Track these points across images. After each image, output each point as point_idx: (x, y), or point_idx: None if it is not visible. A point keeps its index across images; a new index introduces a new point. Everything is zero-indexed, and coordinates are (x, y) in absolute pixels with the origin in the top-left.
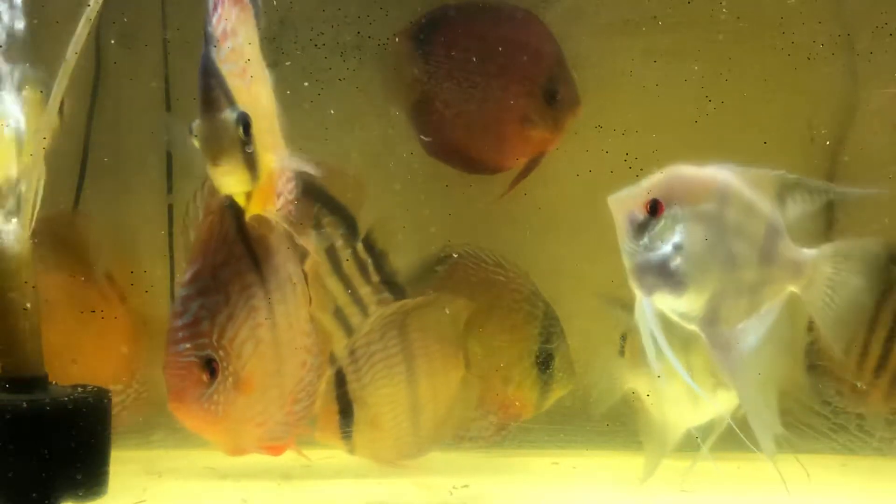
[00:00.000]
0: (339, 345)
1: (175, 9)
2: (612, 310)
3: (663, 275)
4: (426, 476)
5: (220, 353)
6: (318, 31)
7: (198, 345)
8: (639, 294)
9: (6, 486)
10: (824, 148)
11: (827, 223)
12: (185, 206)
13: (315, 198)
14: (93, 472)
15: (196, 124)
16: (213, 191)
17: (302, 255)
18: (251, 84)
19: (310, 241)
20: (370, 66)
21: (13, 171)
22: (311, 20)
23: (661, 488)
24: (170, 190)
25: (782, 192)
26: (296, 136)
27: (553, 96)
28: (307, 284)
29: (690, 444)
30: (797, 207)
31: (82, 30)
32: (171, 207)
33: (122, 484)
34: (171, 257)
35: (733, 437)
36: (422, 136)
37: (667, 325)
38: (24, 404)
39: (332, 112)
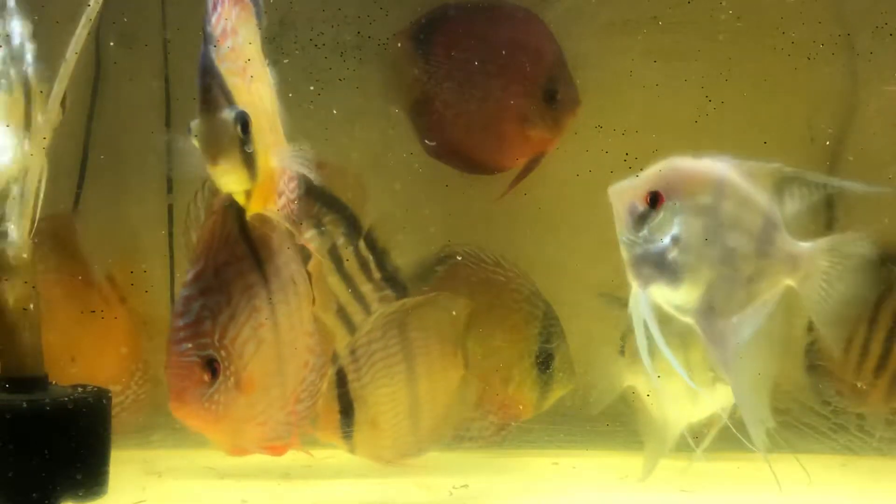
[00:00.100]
0: (341, 343)
1: (175, 9)
2: (612, 309)
3: (661, 266)
4: (426, 476)
5: (222, 352)
6: (318, 31)
7: (199, 344)
8: (635, 286)
9: (6, 486)
10: (824, 148)
11: (827, 222)
12: (187, 206)
13: (316, 196)
14: (93, 472)
15: (195, 124)
16: (215, 191)
17: (305, 256)
18: (251, 83)
19: (312, 241)
20: (370, 66)
21: (13, 171)
22: (311, 20)
23: (660, 488)
24: (170, 190)
25: (780, 185)
26: (296, 136)
27: (553, 96)
28: (310, 285)
29: (690, 443)
30: (795, 200)
31: (82, 30)
32: (171, 207)
33: (122, 484)
34: (171, 257)
35: (733, 436)
36: (426, 141)
37: (664, 320)
38: (24, 404)
39: (333, 112)
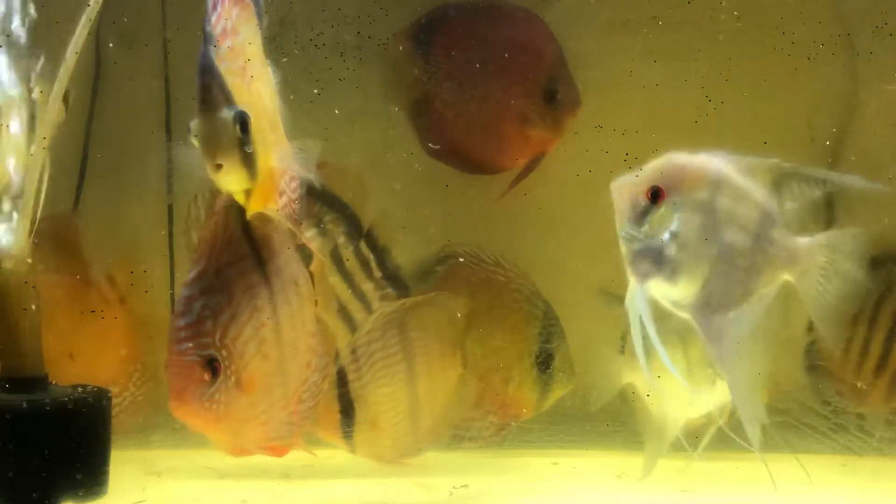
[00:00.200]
0: (342, 342)
1: (175, 9)
2: (611, 306)
3: (659, 262)
4: (426, 476)
5: (223, 352)
6: (318, 31)
7: (200, 344)
8: (632, 281)
9: (6, 486)
10: (824, 148)
11: (827, 222)
12: (187, 206)
13: (316, 196)
14: (93, 472)
15: (194, 123)
16: (217, 191)
17: (306, 256)
18: (252, 83)
19: (315, 242)
20: (370, 66)
21: (14, 170)
22: (311, 20)
23: (660, 488)
24: (170, 190)
25: (778, 181)
26: (297, 136)
27: (553, 96)
28: (313, 286)
29: (689, 443)
30: (794, 196)
31: (82, 30)
32: (171, 207)
33: (122, 484)
34: (171, 257)
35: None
36: (430, 145)
37: (663, 317)
38: (24, 404)
39: (332, 112)
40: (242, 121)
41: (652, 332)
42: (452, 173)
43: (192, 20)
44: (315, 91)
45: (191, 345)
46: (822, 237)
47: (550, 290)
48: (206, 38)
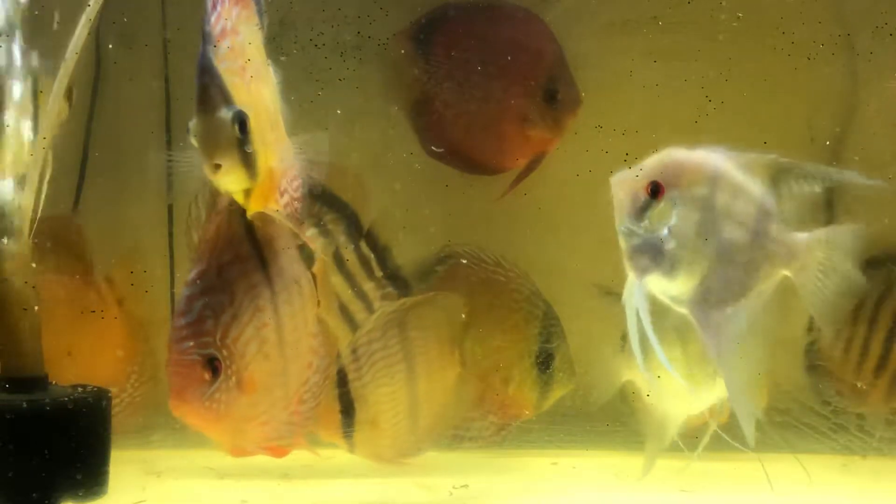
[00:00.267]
0: (343, 342)
1: (175, 9)
2: (608, 303)
3: (658, 256)
4: (426, 476)
5: (224, 352)
6: (318, 31)
7: (201, 343)
8: (630, 276)
9: (6, 486)
10: (824, 148)
11: (826, 222)
12: (188, 206)
13: (317, 196)
14: (93, 472)
15: (193, 123)
16: (217, 191)
17: (307, 256)
18: (252, 82)
19: (317, 243)
20: (370, 66)
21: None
22: (311, 20)
23: (659, 488)
24: (170, 190)
25: (777, 177)
26: (297, 135)
27: (553, 96)
28: (315, 287)
29: (688, 443)
30: (793, 192)
31: (82, 30)
32: (171, 207)
33: (122, 484)
34: (171, 258)
35: (733, 436)
36: (433, 148)
37: (662, 313)
38: (24, 404)
39: (333, 112)
40: (241, 121)
41: (648, 327)
42: (452, 173)
43: (192, 20)
44: (315, 91)
45: (191, 344)
46: (820, 233)
47: (550, 290)
48: (206, 38)
